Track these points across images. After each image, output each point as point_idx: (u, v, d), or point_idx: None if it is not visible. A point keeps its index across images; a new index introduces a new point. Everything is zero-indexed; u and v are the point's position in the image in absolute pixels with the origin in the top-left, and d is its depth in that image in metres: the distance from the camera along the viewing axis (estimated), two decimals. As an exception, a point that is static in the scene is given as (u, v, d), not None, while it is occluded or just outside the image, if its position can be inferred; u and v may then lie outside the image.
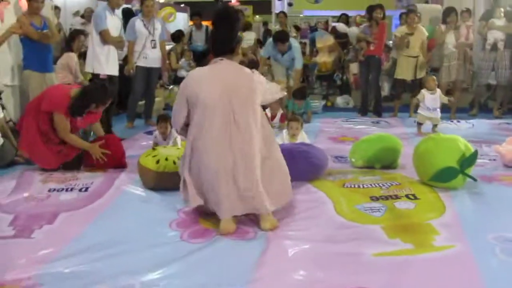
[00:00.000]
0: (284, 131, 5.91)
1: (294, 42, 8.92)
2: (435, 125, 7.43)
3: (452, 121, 8.47)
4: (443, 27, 8.69)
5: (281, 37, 8.69)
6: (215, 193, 3.62)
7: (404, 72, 8.89)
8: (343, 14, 12.33)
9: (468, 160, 4.33)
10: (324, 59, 10.72)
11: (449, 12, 8.75)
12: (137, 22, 8.00)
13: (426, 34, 9.00)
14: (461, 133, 7.18)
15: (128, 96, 8.31)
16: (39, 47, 6.71)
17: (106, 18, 7.05)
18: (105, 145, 5.20)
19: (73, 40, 7.56)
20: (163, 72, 9.56)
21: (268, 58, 8.99)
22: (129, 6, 9.87)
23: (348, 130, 7.72)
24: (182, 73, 10.05)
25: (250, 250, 3.36)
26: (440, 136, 4.57)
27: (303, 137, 5.80)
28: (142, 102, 8.69)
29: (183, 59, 10.05)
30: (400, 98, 9.24)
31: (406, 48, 8.79)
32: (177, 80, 10.08)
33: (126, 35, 8.07)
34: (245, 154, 3.61)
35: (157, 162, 4.50)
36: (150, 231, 3.69)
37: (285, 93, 4.71)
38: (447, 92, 8.77)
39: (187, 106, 3.74)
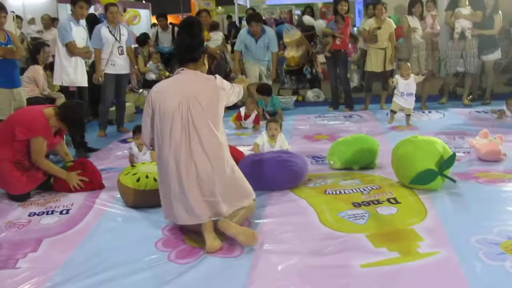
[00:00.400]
0: (264, 132, 5.91)
1: (267, 28, 8.97)
2: (408, 115, 7.50)
3: (423, 112, 8.56)
4: (409, 18, 8.73)
5: (255, 17, 8.80)
6: (183, 200, 3.65)
7: (374, 65, 8.97)
8: (307, 6, 12.33)
9: (447, 162, 4.38)
10: (292, 53, 10.72)
11: (414, 2, 8.80)
12: (103, 29, 7.90)
13: (394, 26, 9.08)
14: (433, 125, 7.39)
15: (99, 103, 8.23)
16: (4, 63, 6.56)
17: (71, 29, 6.93)
18: (82, 173, 5.08)
19: (38, 52, 7.45)
20: (131, 76, 9.50)
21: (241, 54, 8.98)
22: (92, 12, 9.72)
23: (323, 128, 7.76)
24: (151, 76, 10.00)
25: (239, 268, 3.35)
26: (419, 139, 4.61)
27: (282, 139, 5.81)
28: (113, 109, 8.62)
29: (150, 62, 9.99)
30: (370, 91, 9.31)
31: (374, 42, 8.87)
32: (146, 84, 10.03)
33: (92, 43, 7.95)
34: (206, 161, 3.64)
35: (138, 180, 4.47)
36: (137, 253, 3.65)
37: (247, 82, 4.75)
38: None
39: (152, 118, 3.77)
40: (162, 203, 3.85)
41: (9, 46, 6.54)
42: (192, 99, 3.64)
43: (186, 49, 3.80)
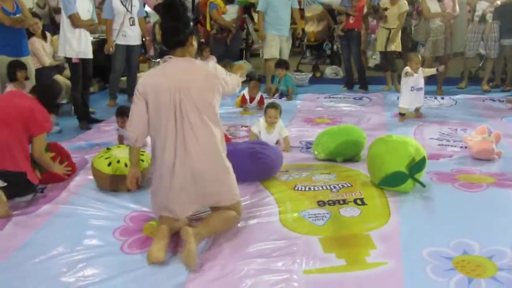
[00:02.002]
0: (261, 118, 5.78)
1: None
2: (417, 108, 7.27)
3: (435, 98, 8.35)
4: (428, 0, 8.44)
5: None
6: (168, 192, 3.58)
7: (380, 44, 8.80)
8: None
9: (417, 166, 4.26)
10: (312, 28, 10.58)
11: None
12: (114, 0, 7.92)
13: (406, 8, 8.83)
14: (441, 113, 7.19)
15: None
16: (12, 32, 6.64)
17: (75, 1, 6.93)
18: (57, 156, 4.81)
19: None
20: (148, 47, 9.53)
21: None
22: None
23: (326, 110, 7.66)
24: (167, 46, 9.93)
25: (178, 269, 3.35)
26: (392, 139, 4.48)
27: (280, 125, 5.69)
28: (125, 78, 8.69)
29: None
30: (388, 70, 9.10)
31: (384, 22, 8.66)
32: (163, 53, 9.96)
33: (103, 13, 8.06)
34: (201, 158, 3.54)
35: (109, 164, 4.49)
36: (93, 240, 3.71)
37: (245, 69, 4.62)
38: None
39: (146, 108, 3.61)
40: (152, 196, 3.76)
41: (17, 15, 6.62)
42: (183, 91, 3.50)
43: (171, 33, 3.59)
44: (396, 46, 8.82)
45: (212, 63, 3.76)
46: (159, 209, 3.72)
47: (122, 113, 5.58)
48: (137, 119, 3.64)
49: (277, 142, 5.68)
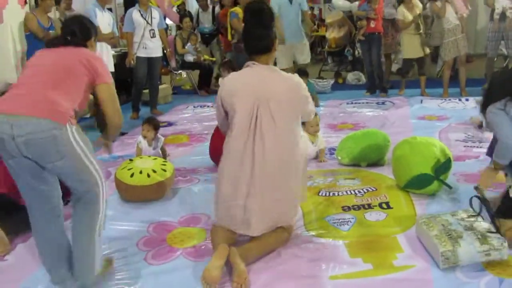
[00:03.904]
0: (303, 132, 5.60)
1: None
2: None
3: (460, 100, 8.23)
4: (438, 3, 8.32)
5: None
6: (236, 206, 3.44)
7: (411, 51, 8.65)
8: None
9: (443, 167, 4.18)
10: (333, 34, 10.53)
11: None
12: (134, 13, 8.00)
13: (421, 6, 8.75)
14: (466, 114, 7.06)
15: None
16: (44, 46, 6.73)
17: (96, 15, 7.00)
18: None
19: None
20: (169, 59, 9.58)
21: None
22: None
23: (349, 116, 7.59)
24: (188, 57, 9.98)
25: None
26: (416, 140, 4.41)
27: (320, 138, 5.56)
28: (147, 91, 8.73)
29: (189, 44, 9.96)
30: (406, 77, 9.02)
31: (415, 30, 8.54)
32: (184, 65, 10.05)
33: (124, 26, 8.12)
34: (268, 167, 3.38)
35: (132, 175, 4.49)
36: (117, 251, 3.70)
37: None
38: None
39: (225, 115, 3.58)
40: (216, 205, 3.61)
41: (50, 31, 6.76)
42: (263, 101, 3.38)
43: (258, 40, 3.49)
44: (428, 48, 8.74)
45: (297, 77, 3.61)
46: (220, 219, 3.56)
47: (149, 121, 5.57)
48: (222, 122, 3.68)
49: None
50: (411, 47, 8.61)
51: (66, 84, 2.97)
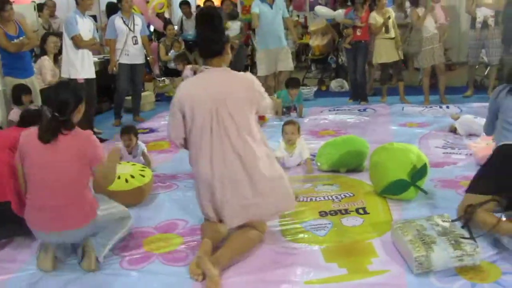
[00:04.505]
0: (281, 140, 5.54)
1: None
2: None
3: (441, 107, 8.28)
4: (418, 10, 8.37)
5: None
6: (209, 204, 3.60)
7: (385, 55, 8.71)
8: None
9: (419, 173, 4.21)
10: (317, 42, 10.56)
11: None
12: (117, 20, 8.00)
13: (393, 13, 8.84)
14: (447, 121, 7.10)
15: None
16: (17, 55, 6.69)
17: (77, 22, 6.98)
18: None
19: (44, 43, 7.51)
20: (152, 66, 9.57)
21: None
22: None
23: (331, 122, 7.61)
24: (171, 64, 9.99)
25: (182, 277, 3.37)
26: (393, 147, 4.45)
27: (301, 145, 5.47)
28: (130, 98, 8.71)
29: (172, 51, 9.97)
30: (386, 83, 9.06)
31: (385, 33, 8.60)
32: (168, 72, 10.05)
33: (106, 33, 8.13)
34: (236, 164, 3.50)
35: (109, 181, 4.46)
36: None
37: (268, 115, 4.57)
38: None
39: (182, 119, 3.62)
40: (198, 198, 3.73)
41: (20, 38, 6.66)
42: (221, 102, 3.50)
43: (209, 43, 3.63)
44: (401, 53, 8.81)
45: (250, 75, 3.75)
46: (206, 215, 3.68)
47: (129, 131, 5.56)
48: (176, 128, 3.66)
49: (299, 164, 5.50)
50: (384, 51, 8.66)
51: (75, 192, 3.44)
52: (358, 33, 8.76)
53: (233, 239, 3.56)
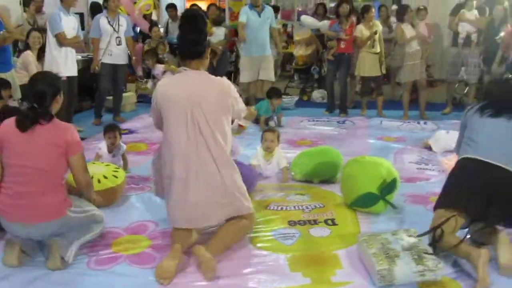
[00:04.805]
0: (258, 148, 5.53)
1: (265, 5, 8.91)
2: None
3: (419, 123, 8.37)
4: (403, 26, 8.45)
5: None
6: (184, 204, 3.59)
7: (368, 69, 8.77)
8: (320, 3, 11.90)
9: (388, 187, 4.27)
10: (301, 52, 10.63)
11: (405, 9, 8.57)
12: (102, 19, 8.02)
13: (381, 27, 8.92)
14: (423, 136, 7.17)
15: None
16: None
17: (61, 20, 6.99)
18: None
19: (27, 38, 7.49)
20: (135, 67, 9.58)
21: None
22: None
23: (309, 132, 7.67)
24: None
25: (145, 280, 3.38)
26: (365, 160, 4.51)
27: (279, 154, 5.47)
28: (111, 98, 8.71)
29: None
30: (366, 96, 9.13)
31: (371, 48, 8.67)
32: (151, 74, 10.03)
33: (90, 32, 8.15)
34: (213, 164, 3.57)
35: (82, 180, 4.46)
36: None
37: (246, 124, 4.66)
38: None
39: (160, 116, 3.70)
40: (168, 209, 3.73)
41: (0, 32, 6.63)
42: (196, 105, 3.55)
43: (191, 45, 3.68)
44: (383, 68, 8.89)
45: (226, 81, 3.80)
46: (175, 222, 3.67)
47: (114, 128, 5.56)
48: (157, 120, 3.80)
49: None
50: (367, 65, 8.72)
51: (53, 184, 3.54)
52: (342, 45, 8.81)
53: (223, 230, 3.69)
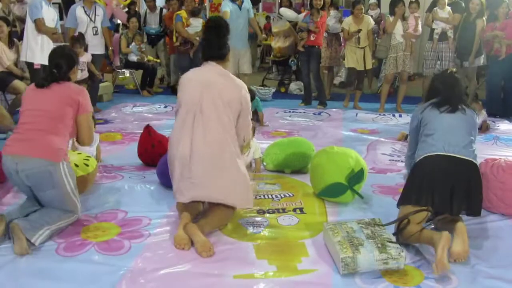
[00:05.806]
0: None
1: None
2: None
3: (394, 115, 8.45)
4: (392, 18, 8.54)
5: None
6: (173, 177, 3.94)
7: (351, 62, 8.84)
8: None
9: (356, 177, 4.33)
10: (279, 44, 10.61)
11: (396, 2, 8.63)
12: (78, 10, 7.99)
13: (373, 23, 8.95)
14: (397, 130, 7.26)
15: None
16: None
17: (42, 7, 7.00)
18: None
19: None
20: (111, 57, 9.55)
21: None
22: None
23: (284, 124, 7.73)
24: (132, 57, 9.95)
25: (115, 268, 3.40)
26: (333, 150, 4.56)
27: (255, 146, 5.46)
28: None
29: (133, 43, 9.93)
30: (351, 86, 9.18)
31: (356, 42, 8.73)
32: (128, 64, 10.02)
33: (66, 22, 8.11)
34: (215, 146, 3.81)
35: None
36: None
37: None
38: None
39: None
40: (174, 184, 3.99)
41: None
42: (206, 86, 3.88)
43: (217, 47, 4.02)
44: (373, 63, 8.95)
45: (246, 92, 4.05)
46: (181, 196, 3.90)
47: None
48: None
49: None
50: (352, 59, 8.81)
51: (58, 128, 3.80)
52: (312, 38, 8.86)
53: (212, 214, 3.92)
